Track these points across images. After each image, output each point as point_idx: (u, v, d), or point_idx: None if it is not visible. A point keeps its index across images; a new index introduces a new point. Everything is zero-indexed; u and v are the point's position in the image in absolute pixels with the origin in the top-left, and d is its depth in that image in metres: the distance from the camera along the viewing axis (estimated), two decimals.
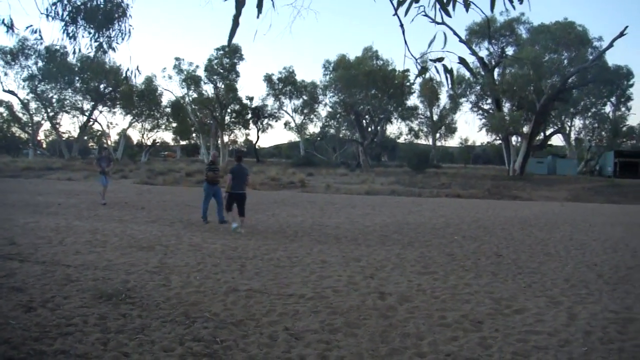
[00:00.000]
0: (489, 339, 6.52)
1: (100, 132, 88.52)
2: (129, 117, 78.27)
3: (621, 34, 45.40)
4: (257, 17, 4.28)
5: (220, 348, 6.00)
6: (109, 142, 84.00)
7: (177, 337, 6.25)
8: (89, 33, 8.34)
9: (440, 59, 4.30)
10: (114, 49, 8.57)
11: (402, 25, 4.53)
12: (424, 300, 8.29)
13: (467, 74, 56.73)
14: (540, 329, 6.97)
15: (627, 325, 7.23)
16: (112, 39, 8.29)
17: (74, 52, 8.63)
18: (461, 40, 50.48)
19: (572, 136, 74.94)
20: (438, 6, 4.33)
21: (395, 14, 4.43)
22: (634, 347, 6.38)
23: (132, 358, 5.64)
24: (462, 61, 4.52)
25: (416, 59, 4.57)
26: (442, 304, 8.09)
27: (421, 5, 4.43)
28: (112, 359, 5.58)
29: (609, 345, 6.45)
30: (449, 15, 4.33)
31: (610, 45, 47.92)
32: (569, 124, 72.92)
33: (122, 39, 8.34)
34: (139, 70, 9.20)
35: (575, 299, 8.59)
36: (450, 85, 4.58)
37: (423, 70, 4.51)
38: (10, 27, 8.92)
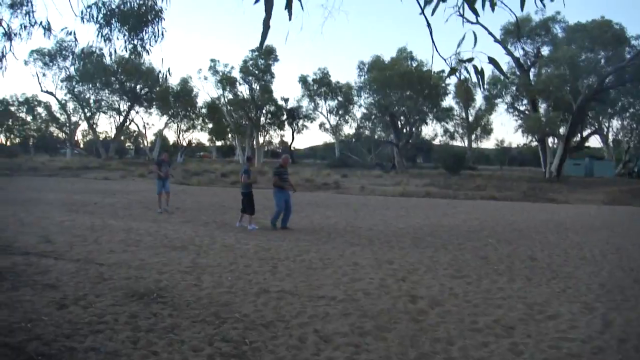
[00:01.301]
0: (520, 345, 6.44)
1: (136, 133, 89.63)
2: (165, 118, 79.09)
3: None
4: (289, 19, 4.26)
5: (249, 349, 6.00)
6: (146, 143, 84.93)
7: (207, 337, 6.27)
8: (123, 35, 8.43)
9: (470, 60, 4.25)
10: (147, 51, 8.65)
11: (429, 25, 4.49)
12: (456, 304, 8.22)
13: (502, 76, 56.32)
14: (573, 335, 6.86)
15: None
16: (146, 41, 8.37)
17: (110, 54, 8.74)
18: (496, 40, 50.16)
19: (610, 137, 74.02)
20: (466, 5, 4.29)
21: (422, 13, 4.40)
22: None
23: (161, 357, 5.68)
24: (492, 61, 4.46)
25: (445, 59, 4.52)
26: (474, 308, 8.01)
27: (453, 6, 4.39)
28: (142, 358, 5.62)
29: None
30: (477, 14, 4.29)
31: None
32: (606, 124, 71.96)
33: (156, 41, 8.42)
34: (169, 73, 9.30)
35: (610, 305, 8.44)
36: (481, 86, 4.53)
37: (453, 70, 4.48)
38: (47, 29, 9.06)
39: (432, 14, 4.32)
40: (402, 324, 7.09)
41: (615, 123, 72.50)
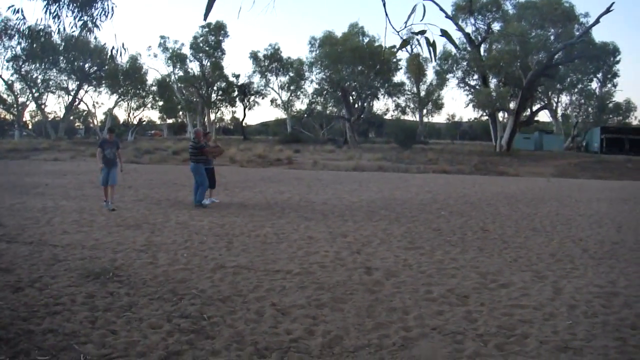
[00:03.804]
0: (474, 313, 6.58)
1: (86, 112, 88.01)
2: (114, 96, 77.70)
3: (607, 10, 45.19)
4: None
5: (208, 324, 6.02)
6: (96, 122, 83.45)
7: (165, 314, 6.27)
8: (72, 12, 8.25)
9: (422, 32, 4.29)
10: (98, 27, 8.49)
11: None
12: (410, 275, 8.35)
13: (454, 50, 56.75)
14: (525, 302, 7.04)
15: (611, 299, 7.30)
16: (95, 17, 8.21)
17: (59, 32, 8.54)
18: (447, 16, 50.38)
19: (559, 112, 75.30)
20: None
21: None
22: (618, 321, 6.43)
23: (120, 335, 5.65)
24: (444, 33, 4.49)
25: (398, 32, 4.53)
26: (428, 278, 8.15)
27: None
28: (100, 337, 5.58)
29: (593, 319, 6.50)
30: None
31: (597, 21, 47.73)
32: (555, 100, 73.23)
33: (105, 17, 8.27)
34: (124, 48, 9.10)
35: (560, 274, 8.67)
36: (433, 58, 4.56)
37: (405, 42, 4.50)
38: None
39: None
40: (358, 295, 7.19)
41: (564, 98, 73.98)
